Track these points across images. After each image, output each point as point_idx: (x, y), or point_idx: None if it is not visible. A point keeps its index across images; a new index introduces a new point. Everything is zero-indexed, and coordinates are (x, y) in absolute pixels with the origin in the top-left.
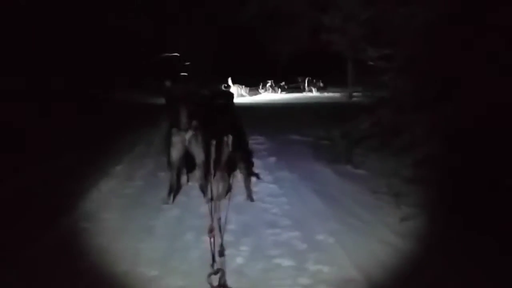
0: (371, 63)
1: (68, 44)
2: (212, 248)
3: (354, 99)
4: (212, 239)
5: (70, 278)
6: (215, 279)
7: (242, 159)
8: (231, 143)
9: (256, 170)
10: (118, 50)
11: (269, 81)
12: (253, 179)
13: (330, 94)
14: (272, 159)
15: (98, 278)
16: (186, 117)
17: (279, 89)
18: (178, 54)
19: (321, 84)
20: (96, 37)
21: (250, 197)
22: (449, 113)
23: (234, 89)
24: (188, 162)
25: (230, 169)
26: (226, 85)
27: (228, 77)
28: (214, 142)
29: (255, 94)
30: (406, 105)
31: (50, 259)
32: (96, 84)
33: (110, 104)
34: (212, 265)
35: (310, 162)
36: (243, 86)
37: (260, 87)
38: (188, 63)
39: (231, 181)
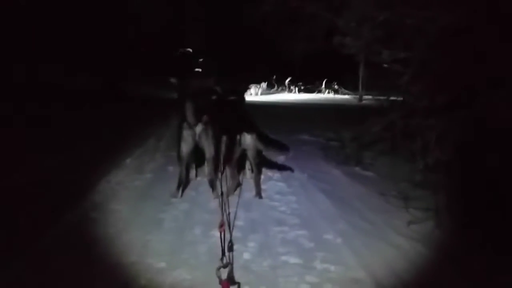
0: (385, 65)
1: (81, 38)
2: (222, 242)
3: (365, 102)
4: (222, 233)
5: (78, 267)
6: (224, 273)
7: (252, 156)
8: (242, 140)
9: (264, 168)
10: (132, 43)
11: (286, 81)
12: (262, 176)
13: (342, 97)
14: (281, 158)
15: (107, 268)
16: (197, 111)
17: (296, 89)
18: (191, 50)
19: (336, 87)
20: (108, 29)
21: (259, 194)
22: (462, 119)
23: (252, 88)
24: (197, 156)
25: (239, 166)
26: (246, 83)
27: (245, 74)
28: (224, 138)
29: (270, 94)
30: (419, 109)
31: (59, 248)
32: (108, 77)
33: (122, 97)
34: (222, 259)
35: (319, 163)
36: (262, 85)
37: (276, 86)
38: (202, 59)
39: (240, 177)
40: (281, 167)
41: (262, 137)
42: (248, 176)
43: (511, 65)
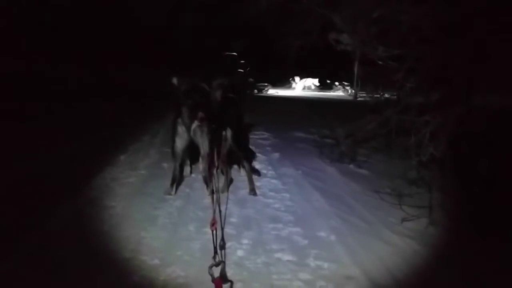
0: (380, 62)
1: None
2: (214, 241)
3: (360, 99)
4: (214, 232)
5: (71, 263)
6: (216, 271)
7: (243, 153)
8: (231, 137)
9: (258, 165)
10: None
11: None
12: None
13: (341, 94)
14: (276, 155)
15: (101, 265)
16: (192, 108)
17: (350, 90)
18: (236, 54)
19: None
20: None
21: (253, 191)
22: (456, 116)
23: (302, 84)
24: (191, 153)
25: (231, 163)
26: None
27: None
28: (217, 134)
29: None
30: (413, 106)
31: (52, 244)
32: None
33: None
34: (214, 257)
35: (313, 160)
36: (310, 80)
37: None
38: (243, 61)
39: (231, 174)
40: (275, 165)
41: (239, 136)
42: (242, 173)
43: (506, 62)
